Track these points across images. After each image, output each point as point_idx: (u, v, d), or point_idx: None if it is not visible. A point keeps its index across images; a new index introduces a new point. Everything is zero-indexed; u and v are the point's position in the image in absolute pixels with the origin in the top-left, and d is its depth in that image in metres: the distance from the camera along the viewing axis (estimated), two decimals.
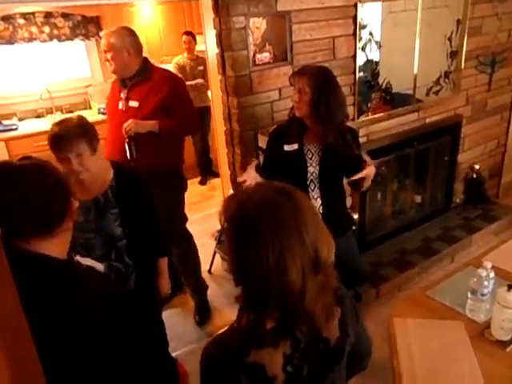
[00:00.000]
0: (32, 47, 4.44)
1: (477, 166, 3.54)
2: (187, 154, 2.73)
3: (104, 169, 1.70)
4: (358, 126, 2.57)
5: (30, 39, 4.29)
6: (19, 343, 0.68)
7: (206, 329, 2.66)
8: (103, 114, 4.54)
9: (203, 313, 2.72)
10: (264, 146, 2.21)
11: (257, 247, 0.85)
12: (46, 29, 4.34)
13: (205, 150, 4.78)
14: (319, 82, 1.81)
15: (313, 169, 1.97)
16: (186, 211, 2.62)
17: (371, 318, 2.67)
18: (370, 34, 2.58)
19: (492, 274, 1.61)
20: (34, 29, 4.28)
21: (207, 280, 2.88)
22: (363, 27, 2.52)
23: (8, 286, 0.65)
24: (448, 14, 2.89)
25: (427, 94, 3.00)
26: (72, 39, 4.53)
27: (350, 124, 2.13)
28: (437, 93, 3.04)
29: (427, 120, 3.08)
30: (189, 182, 2.79)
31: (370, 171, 1.88)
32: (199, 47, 4.43)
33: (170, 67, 4.15)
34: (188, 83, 3.60)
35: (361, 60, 2.58)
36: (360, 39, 2.53)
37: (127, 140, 2.28)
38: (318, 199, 2.01)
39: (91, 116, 4.57)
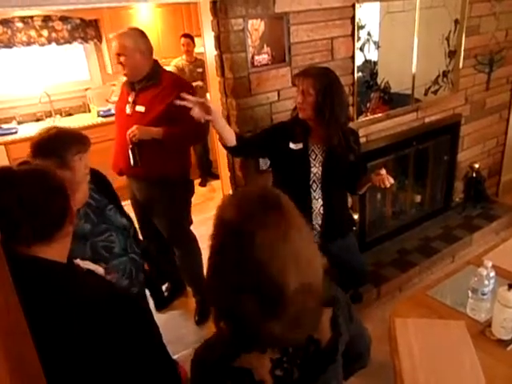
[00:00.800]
0: (31, 51, 4.45)
1: (476, 165, 3.54)
2: None
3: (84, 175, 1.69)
4: (358, 127, 2.57)
5: (29, 43, 4.30)
6: (18, 342, 0.68)
7: (207, 331, 2.66)
8: (103, 116, 4.55)
9: (203, 313, 2.73)
10: None
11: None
12: (45, 32, 4.35)
13: (205, 151, 4.79)
14: (323, 84, 1.80)
15: (316, 169, 1.97)
16: None
17: (372, 319, 2.67)
18: (369, 34, 2.58)
19: (492, 273, 1.61)
20: (32, 32, 4.29)
21: None
22: (361, 27, 2.53)
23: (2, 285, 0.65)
24: (446, 14, 2.90)
25: (426, 94, 3.00)
26: (71, 42, 4.54)
27: (349, 125, 2.13)
28: (435, 92, 3.04)
29: (426, 120, 3.09)
30: None
31: (376, 182, 1.87)
32: (198, 49, 4.44)
33: (169, 70, 4.16)
34: None
35: (359, 60, 2.59)
36: (358, 39, 2.54)
37: (130, 146, 2.27)
38: (320, 200, 2.01)
39: (91, 119, 4.58)
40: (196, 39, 4.44)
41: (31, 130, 4.20)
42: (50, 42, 4.41)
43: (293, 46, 2.32)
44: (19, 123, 4.46)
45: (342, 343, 0.98)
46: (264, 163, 2.33)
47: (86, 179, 1.56)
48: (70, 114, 4.76)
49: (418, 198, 3.35)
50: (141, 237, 2.22)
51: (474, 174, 3.55)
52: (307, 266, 0.81)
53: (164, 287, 2.83)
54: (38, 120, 4.59)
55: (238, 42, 2.15)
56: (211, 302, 0.90)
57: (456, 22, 2.96)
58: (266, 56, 2.26)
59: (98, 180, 1.77)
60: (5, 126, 4.33)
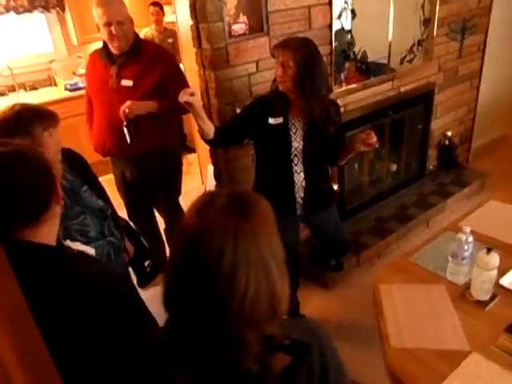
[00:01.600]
0: None
1: (449, 133, 3.62)
2: None
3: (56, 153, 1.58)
4: (335, 97, 2.56)
5: None
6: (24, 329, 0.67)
7: None
8: (70, 90, 4.36)
9: None
10: None
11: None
12: (2, 0, 4.07)
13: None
14: (304, 56, 1.77)
15: (297, 144, 1.96)
16: None
17: (353, 286, 2.76)
18: (345, 2, 2.55)
19: (471, 238, 1.67)
20: None
21: None
22: None
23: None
24: None
25: (401, 63, 3.01)
26: (31, 11, 4.27)
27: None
28: (411, 61, 3.06)
29: (401, 89, 3.11)
30: None
31: (365, 147, 1.87)
32: (168, 18, 4.28)
33: None
34: None
35: (336, 29, 2.55)
36: (335, 8, 2.50)
37: (125, 123, 2.16)
38: (301, 173, 2.01)
39: (57, 93, 4.38)
40: (166, 8, 4.27)
41: None
42: (8, 10, 4.14)
43: (270, 15, 2.26)
44: None
45: None
46: None
47: (58, 157, 1.49)
48: (35, 88, 4.54)
49: (394, 167, 3.41)
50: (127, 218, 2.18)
51: (447, 142, 3.64)
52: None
53: (146, 263, 2.81)
54: (0, 95, 4.36)
55: (215, 10, 2.07)
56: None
57: None
58: (243, 26, 2.20)
59: (70, 159, 1.68)
60: None
